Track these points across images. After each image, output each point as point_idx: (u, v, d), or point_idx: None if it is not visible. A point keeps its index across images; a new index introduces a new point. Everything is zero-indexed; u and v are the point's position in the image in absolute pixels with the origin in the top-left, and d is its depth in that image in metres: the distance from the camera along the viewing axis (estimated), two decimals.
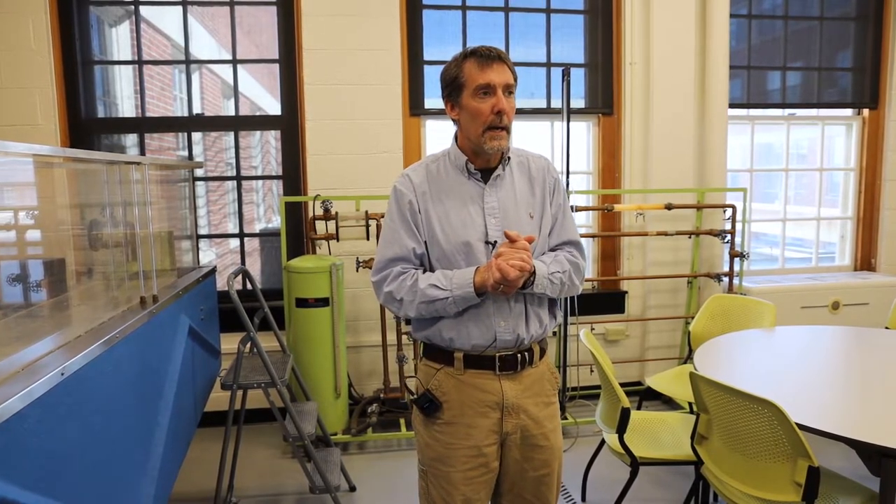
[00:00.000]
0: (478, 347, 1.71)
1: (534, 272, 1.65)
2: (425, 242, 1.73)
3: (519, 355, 1.74)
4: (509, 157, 1.77)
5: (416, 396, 1.80)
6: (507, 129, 1.67)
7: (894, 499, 1.89)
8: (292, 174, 4.11)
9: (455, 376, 1.73)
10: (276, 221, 4.27)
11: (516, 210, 1.74)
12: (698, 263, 4.39)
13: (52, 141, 3.76)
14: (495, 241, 1.69)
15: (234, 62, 4.04)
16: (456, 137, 1.78)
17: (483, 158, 1.73)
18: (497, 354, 1.71)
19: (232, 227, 4.30)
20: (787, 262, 4.90)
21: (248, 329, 2.78)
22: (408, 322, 4.03)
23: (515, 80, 1.70)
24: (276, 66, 4.06)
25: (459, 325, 1.70)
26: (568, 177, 3.82)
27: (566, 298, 4.03)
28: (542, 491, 1.81)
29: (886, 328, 3.31)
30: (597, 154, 4.46)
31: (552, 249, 1.83)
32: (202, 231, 4.22)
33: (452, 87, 1.70)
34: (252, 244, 4.39)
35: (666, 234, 4.19)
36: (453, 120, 1.76)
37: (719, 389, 2.08)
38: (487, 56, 1.64)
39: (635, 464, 2.53)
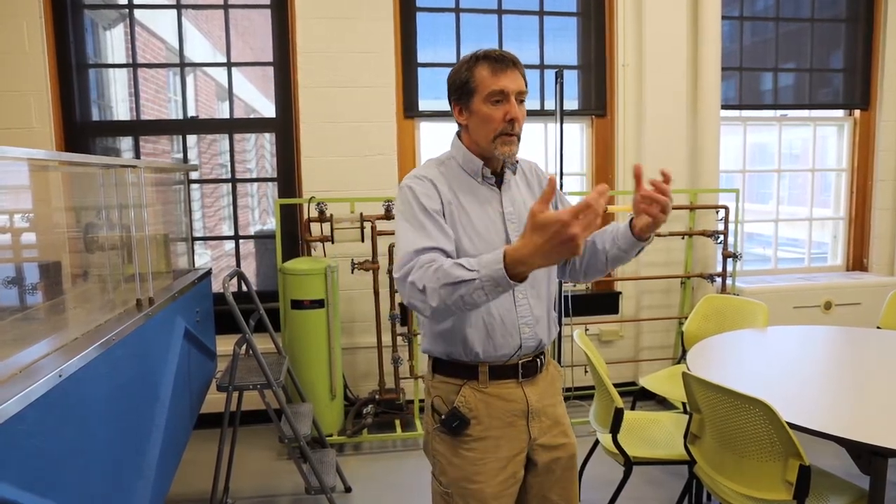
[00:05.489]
0: (503, 357, 1.67)
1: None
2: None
3: (538, 359, 1.74)
4: (516, 162, 1.74)
5: (443, 417, 1.68)
6: (518, 136, 1.64)
7: (884, 497, 1.92)
8: (287, 176, 4.12)
9: (480, 390, 1.68)
10: (271, 224, 4.27)
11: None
12: (691, 264, 4.42)
13: (46, 144, 3.76)
14: None
15: (229, 65, 4.05)
16: (460, 139, 1.72)
17: (490, 164, 1.70)
18: (520, 362, 1.70)
19: (227, 230, 4.31)
20: (779, 263, 4.93)
21: (243, 331, 2.79)
22: (404, 323, 4.02)
23: (527, 86, 1.66)
24: (271, 69, 4.07)
25: (485, 337, 1.65)
26: (562, 178, 3.84)
27: (562, 300, 4.05)
28: (568, 488, 1.80)
29: (878, 328, 3.34)
30: (590, 155, 4.48)
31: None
32: (197, 234, 4.23)
33: (463, 90, 1.63)
34: (247, 246, 4.39)
35: (659, 234, 4.21)
36: (459, 123, 1.70)
37: (711, 389, 2.10)
38: (501, 61, 1.59)
39: (629, 463, 2.54)
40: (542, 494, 1.78)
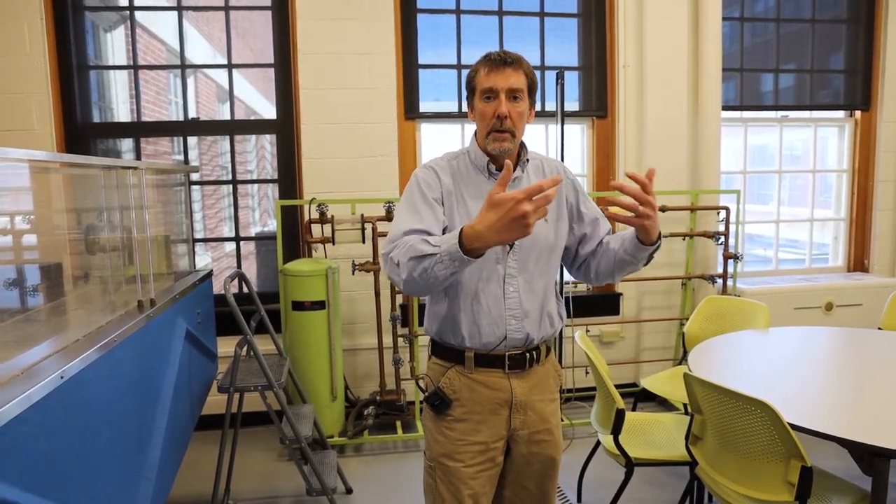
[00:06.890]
0: (488, 346, 1.74)
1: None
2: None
3: (527, 354, 1.78)
4: (528, 160, 1.80)
5: (426, 394, 1.82)
6: (512, 133, 1.69)
7: (886, 498, 1.91)
8: (288, 178, 4.12)
9: (465, 374, 1.77)
10: (272, 225, 4.27)
11: None
12: (692, 265, 4.41)
13: (47, 146, 3.76)
14: (512, 242, 1.69)
15: (230, 66, 4.05)
16: (475, 136, 1.80)
17: (500, 160, 1.76)
18: (507, 353, 1.75)
19: (228, 231, 4.30)
20: (780, 264, 4.92)
21: (244, 332, 2.79)
22: (404, 324, 4.03)
23: (532, 84, 1.72)
24: (272, 70, 4.07)
25: (472, 322, 1.72)
26: None
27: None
28: (544, 482, 1.87)
29: (879, 329, 3.33)
30: (591, 156, 4.48)
31: (599, 244, 1.88)
32: (198, 235, 4.23)
33: (469, 90, 1.76)
34: (248, 248, 4.39)
35: (660, 236, 4.20)
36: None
37: (713, 390, 2.10)
38: (496, 61, 1.67)
39: (630, 465, 2.54)
40: (518, 482, 1.86)
